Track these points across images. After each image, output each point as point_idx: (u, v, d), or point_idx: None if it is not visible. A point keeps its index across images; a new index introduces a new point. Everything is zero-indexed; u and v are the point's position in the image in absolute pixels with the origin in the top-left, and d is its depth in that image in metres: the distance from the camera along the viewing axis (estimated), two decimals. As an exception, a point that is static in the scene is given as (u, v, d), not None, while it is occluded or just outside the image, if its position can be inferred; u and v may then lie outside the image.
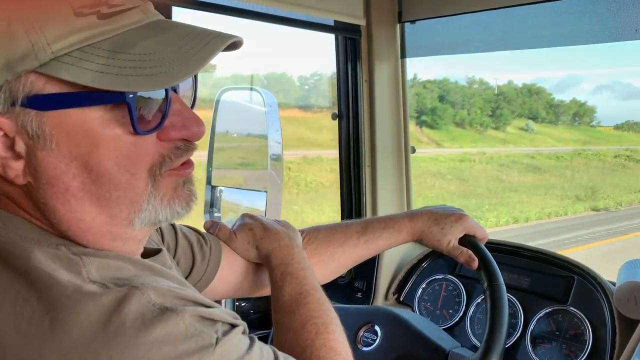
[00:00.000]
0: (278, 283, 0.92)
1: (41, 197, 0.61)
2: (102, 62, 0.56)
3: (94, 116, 0.58)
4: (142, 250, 0.72)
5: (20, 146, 0.59)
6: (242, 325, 0.64)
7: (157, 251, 0.78)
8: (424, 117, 17.35)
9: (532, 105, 20.49)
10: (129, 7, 0.59)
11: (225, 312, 0.63)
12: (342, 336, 0.84)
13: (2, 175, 0.60)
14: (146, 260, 0.69)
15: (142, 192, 0.63)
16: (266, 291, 1.01)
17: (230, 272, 1.03)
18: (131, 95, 0.58)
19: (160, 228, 0.94)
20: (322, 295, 0.89)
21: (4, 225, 0.61)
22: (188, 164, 0.67)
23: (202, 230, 1.05)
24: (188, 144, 0.65)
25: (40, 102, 0.57)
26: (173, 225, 0.98)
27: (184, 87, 0.68)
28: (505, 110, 19.72)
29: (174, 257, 0.94)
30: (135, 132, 0.59)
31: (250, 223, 1.04)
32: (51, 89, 0.56)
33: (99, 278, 0.59)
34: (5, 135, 0.58)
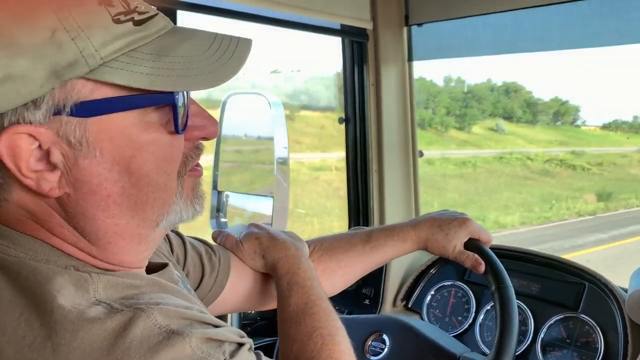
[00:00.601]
0: (284, 293, 0.91)
1: (79, 207, 0.60)
2: (150, 66, 0.57)
3: (134, 120, 0.59)
4: (150, 256, 0.72)
5: (57, 157, 0.57)
6: (249, 342, 0.63)
7: (164, 265, 0.77)
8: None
9: (507, 104, 19.34)
10: (154, 14, 0.60)
11: (231, 331, 0.62)
12: (348, 347, 0.82)
13: (35, 190, 0.58)
14: (153, 277, 0.68)
15: (173, 193, 0.65)
16: (274, 304, 1.00)
17: (239, 284, 1.02)
18: (177, 96, 0.60)
19: (169, 240, 0.94)
20: (328, 305, 0.88)
21: (14, 245, 0.60)
22: (199, 164, 0.69)
23: (210, 241, 1.05)
24: (202, 145, 0.68)
25: (86, 109, 0.56)
26: (182, 237, 0.97)
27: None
28: (473, 110, 18.39)
29: (183, 269, 0.94)
30: (177, 132, 0.61)
31: (256, 232, 1.04)
32: (99, 94, 0.57)
33: (106, 297, 0.58)
34: (39, 147, 0.57)
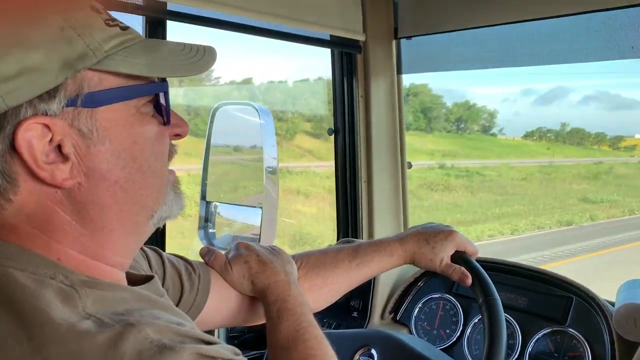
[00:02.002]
0: (274, 320, 0.89)
1: (90, 195, 0.63)
2: (145, 58, 0.64)
3: (132, 111, 0.65)
4: (129, 263, 0.73)
5: (69, 148, 0.61)
6: None
7: (149, 278, 0.76)
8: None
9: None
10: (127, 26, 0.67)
11: (225, 348, 0.61)
12: None
13: (49, 182, 0.60)
14: (142, 290, 0.68)
15: (166, 182, 0.71)
16: (262, 320, 0.99)
17: (220, 302, 1.00)
18: (166, 89, 0.68)
19: (147, 257, 0.93)
20: (319, 332, 0.87)
21: (1, 256, 0.59)
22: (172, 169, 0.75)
23: (189, 258, 1.03)
24: (176, 148, 0.75)
25: (96, 99, 0.61)
26: (160, 255, 0.96)
27: None
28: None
29: (162, 286, 0.92)
30: (166, 121, 0.69)
31: (245, 255, 1.01)
32: (107, 84, 0.62)
33: (95, 312, 0.57)
34: (51, 140, 0.60)
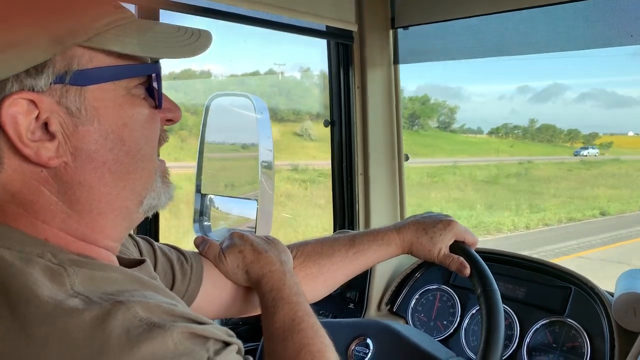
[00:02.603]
0: (270, 309, 0.88)
1: (77, 175, 0.62)
2: (137, 37, 0.63)
3: (122, 92, 0.63)
4: (119, 248, 0.72)
5: (56, 126, 0.59)
6: (237, 343, 0.61)
7: (141, 261, 0.75)
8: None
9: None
10: (121, 5, 0.66)
11: (218, 329, 0.60)
12: None
13: (34, 161, 0.59)
14: (134, 271, 0.66)
15: (155, 168, 0.69)
16: (257, 311, 0.97)
17: (214, 291, 0.99)
18: (159, 71, 0.66)
19: (138, 244, 0.92)
20: (315, 321, 0.86)
21: None
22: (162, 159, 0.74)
23: (181, 247, 1.02)
24: (166, 136, 0.73)
25: (85, 77, 0.60)
26: (151, 243, 0.95)
27: None
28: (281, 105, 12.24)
29: None
30: (157, 104, 0.67)
31: (239, 244, 1.00)
32: (97, 62, 0.61)
33: (84, 290, 0.56)
34: (37, 117, 0.58)
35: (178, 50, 0.66)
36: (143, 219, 0.72)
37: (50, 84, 0.58)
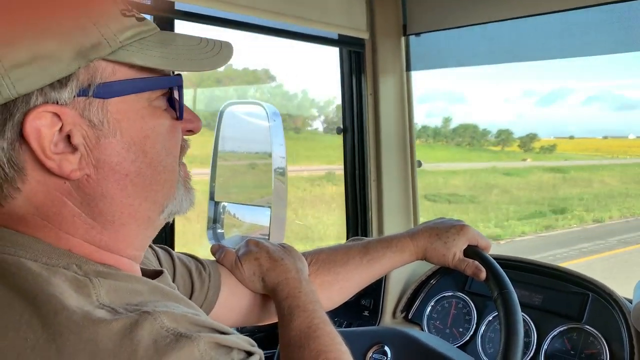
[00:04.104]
0: (286, 317, 0.88)
1: (99, 188, 0.62)
2: (159, 50, 0.63)
3: (144, 104, 0.64)
4: (142, 257, 0.72)
5: (78, 139, 0.60)
6: (259, 353, 0.61)
7: (159, 273, 0.75)
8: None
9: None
10: (144, 17, 0.67)
11: (241, 339, 0.60)
12: None
13: (57, 173, 0.59)
14: (155, 282, 0.67)
15: (177, 177, 0.70)
16: (274, 319, 0.97)
17: (232, 299, 0.99)
18: (181, 83, 0.67)
19: (157, 254, 0.92)
20: (332, 329, 0.85)
21: (13, 245, 0.59)
22: (184, 163, 0.74)
23: (199, 256, 1.02)
24: (187, 143, 0.74)
25: (108, 90, 0.60)
26: (169, 253, 0.96)
27: None
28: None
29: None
30: (179, 116, 0.68)
31: (255, 252, 1.01)
32: (120, 75, 0.61)
33: (109, 302, 0.56)
34: (60, 130, 0.59)
35: (200, 64, 0.66)
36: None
37: (74, 96, 0.58)
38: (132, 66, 0.62)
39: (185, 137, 0.72)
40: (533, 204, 14.85)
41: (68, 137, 0.59)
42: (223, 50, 0.69)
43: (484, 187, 15.98)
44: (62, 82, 0.57)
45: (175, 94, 0.67)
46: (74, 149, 0.60)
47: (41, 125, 0.57)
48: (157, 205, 0.68)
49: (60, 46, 0.56)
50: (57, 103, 0.58)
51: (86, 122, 0.60)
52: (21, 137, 0.57)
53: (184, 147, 0.72)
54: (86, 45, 0.58)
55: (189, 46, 0.67)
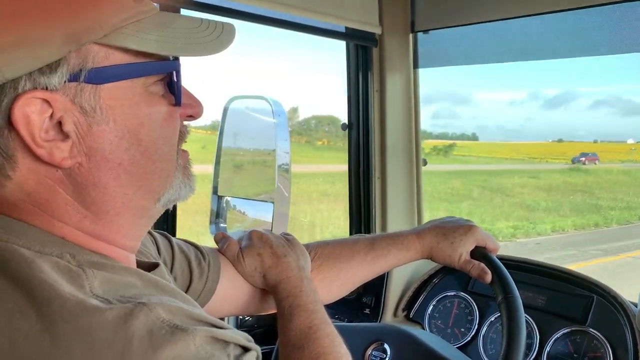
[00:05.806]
0: (286, 316, 0.87)
1: (91, 176, 0.60)
2: (156, 34, 0.60)
3: (139, 90, 0.61)
4: (139, 246, 0.71)
5: (70, 126, 0.57)
6: (256, 349, 0.60)
7: (155, 265, 0.74)
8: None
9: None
10: None
11: (238, 334, 0.59)
12: None
13: (47, 161, 0.57)
14: (151, 275, 0.65)
15: (175, 166, 0.67)
16: (273, 309, 0.96)
17: (231, 290, 0.98)
18: (179, 68, 0.63)
19: (156, 242, 0.91)
20: (332, 330, 0.84)
21: (6, 232, 0.57)
22: (185, 149, 0.71)
23: (199, 244, 1.01)
24: (187, 129, 0.70)
25: (101, 75, 0.57)
26: (169, 240, 0.94)
27: None
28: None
29: (170, 272, 0.90)
30: (177, 102, 0.64)
31: (259, 247, 0.99)
32: (113, 60, 0.58)
33: (102, 293, 0.55)
34: (51, 117, 0.57)
35: (197, 48, 0.63)
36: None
37: (65, 82, 0.56)
38: (126, 50, 0.59)
39: (185, 122, 0.70)
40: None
41: (59, 124, 0.57)
42: (224, 34, 0.66)
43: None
44: (51, 67, 0.55)
45: (174, 78, 0.64)
46: (65, 136, 0.58)
47: (30, 112, 0.55)
48: (152, 194, 0.65)
49: (49, 29, 0.54)
50: (47, 89, 0.55)
51: (77, 108, 0.57)
52: (10, 123, 0.55)
53: (183, 133, 0.69)
54: (77, 29, 0.55)
55: (187, 29, 0.64)
